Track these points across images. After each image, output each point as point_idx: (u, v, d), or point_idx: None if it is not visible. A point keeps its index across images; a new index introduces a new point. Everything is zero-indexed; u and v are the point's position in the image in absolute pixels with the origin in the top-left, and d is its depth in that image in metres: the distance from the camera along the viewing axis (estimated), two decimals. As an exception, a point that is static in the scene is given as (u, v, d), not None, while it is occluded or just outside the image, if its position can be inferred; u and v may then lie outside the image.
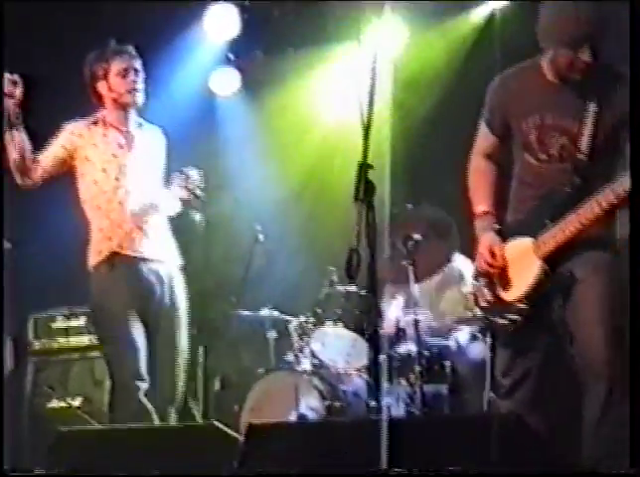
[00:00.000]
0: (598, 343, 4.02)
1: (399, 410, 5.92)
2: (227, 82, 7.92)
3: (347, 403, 6.00)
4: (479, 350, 5.86)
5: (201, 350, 7.02)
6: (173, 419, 5.00)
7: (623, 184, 3.94)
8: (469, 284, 4.74)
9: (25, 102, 4.89)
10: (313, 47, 7.37)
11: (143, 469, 3.58)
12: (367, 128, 4.19)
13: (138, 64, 5.28)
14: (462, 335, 6.05)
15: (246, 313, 6.86)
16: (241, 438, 3.54)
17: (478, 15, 7.03)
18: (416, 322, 5.97)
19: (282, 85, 7.62)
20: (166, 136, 5.53)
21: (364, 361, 6.15)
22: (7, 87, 4.83)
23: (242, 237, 7.15)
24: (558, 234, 4.16)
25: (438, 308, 6.44)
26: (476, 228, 4.52)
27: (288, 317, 6.67)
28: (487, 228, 4.44)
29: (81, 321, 6.70)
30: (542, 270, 4.22)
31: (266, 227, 6.98)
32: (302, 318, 6.50)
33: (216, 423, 3.60)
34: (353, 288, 6.25)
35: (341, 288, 6.34)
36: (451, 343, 6.09)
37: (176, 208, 5.39)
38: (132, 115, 5.34)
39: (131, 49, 5.29)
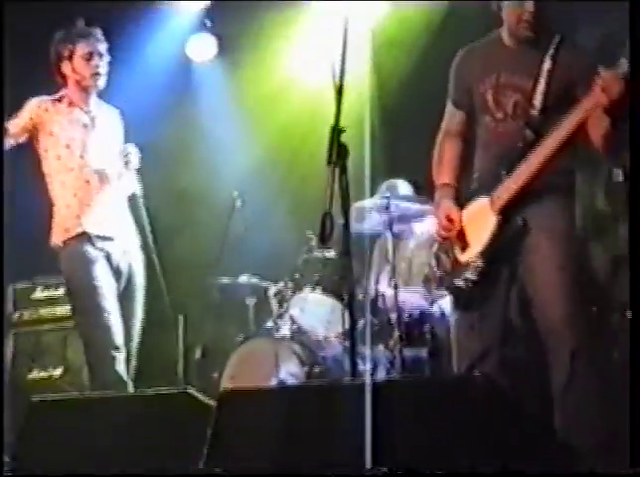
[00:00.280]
0: (556, 297, 4.02)
1: (379, 375, 5.93)
2: (203, 49, 7.84)
3: (327, 369, 5.99)
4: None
5: (181, 318, 6.99)
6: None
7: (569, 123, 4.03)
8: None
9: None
10: (290, 9, 7.29)
11: (117, 437, 3.56)
12: (339, 91, 4.18)
13: (103, 48, 5.41)
14: (444, 301, 6.04)
15: (226, 280, 6.83)
16: (215, 405, 3.51)
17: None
18: (396, 287, 5.97)
19: (259, 51, 7.55)
20: (123, 118, 5.64)
21: (343, 326, 6.14)
22: None
23: (220, 203, 7.10)
24: (511, 185, 4.22)
25: (412, 273, 6.44)
26: (435, 198, 4.59)
27: (267, 283, 6.65)
28: (445, 197, 4.50)
29: (61, 291, 6.67)
30: (496, 224, 4.27)
31: (244, 193, 6.95)
32: (281, 284, 6.49)
33: (189, 391, 3.57)
34: (331, 254, 6.25)
35: (319, 254, 6.32)
36: (433, 308, 6.08)
37: (135, 186, 5.47)
38: (94, 97, 5.47)
39: (97, 32, 5.40)
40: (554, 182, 4.21)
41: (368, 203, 6.04)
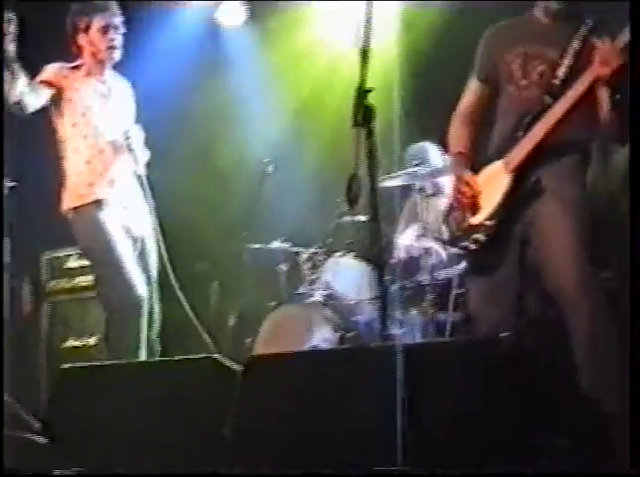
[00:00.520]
0: (568, 264, 3.99)
1: (413, 340, 5.90)
2: (232, 15, 7.78)
3: (359, 334, 5.97)
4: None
5: (214, 285, 7.01)
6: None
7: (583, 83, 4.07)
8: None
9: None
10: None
11: (144, 404, 3.56)
12: (364, 52, 4.13)
13: (119, 21, 5.45)
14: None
15: (257, 246, 6.81)
16: (241, 370, 3.49)
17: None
18: (428, 250, 5.93)
19: (288, 15, 7.48)
20: (134, 90, 5.68)
21: (376, 290, 6.10)
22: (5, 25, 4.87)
23: (251, 170, 7.07)
24: (525, 144, 4.23)
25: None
26: (450, 166, 4.65)
27: (299, 249, 6.63)
28: (459, 164, 4.52)
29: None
30: (509, 183, 4.26)
31: (275, 158, 6.91)
32: (313, 250, 6.48)
33: (215, 356, 3.56)
34: (362, 218, 6.21)
35: (350, 218, 6.28)
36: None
37: (139, 166, 5.50)
38: (109, 68, 5.51)
39: (114, 5, 5.45)
40: (569, 146, 4.21)
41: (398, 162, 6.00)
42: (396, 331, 5.95)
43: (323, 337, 6.02)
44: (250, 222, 6.92)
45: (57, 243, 6.76)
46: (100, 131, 5.35)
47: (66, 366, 3.92)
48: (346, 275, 6.24)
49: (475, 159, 4.53)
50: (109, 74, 5.52)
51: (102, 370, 3.84)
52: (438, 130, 5.57)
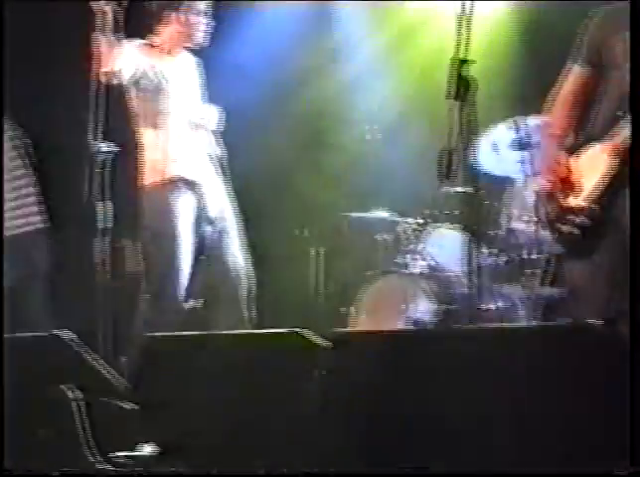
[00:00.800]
0: None
1: (514, 315, 5.80)
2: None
3: (458, 307, 5.87)
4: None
5: (313, 252, 6.98)
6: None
7: None
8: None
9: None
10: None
11: (227, 376, 3.53)
12: (460, 19, 4.04)
13: (208, 6, 5.47)
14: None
15: (357, 215, 6.74)
16: (327, 346, 3.43)
17: None
18: (528, 226, 5.79)
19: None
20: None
21: (479, 263, 5.98)
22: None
23: (352, 137, 6.99)
24: (627, 126, 4.03)
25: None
26: (547, 147, 4.51)
27: (399, 219, 6.54)
28: (556, 145, 4.39)
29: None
30: (609, 165, 4.10)
31: (377, 126, 6.85)
32: (412, 220, 6.39)
33: (301, 331, 3.50)
34: (462, 189, 6.07)
35: (451, 189, 6.15)
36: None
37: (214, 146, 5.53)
38: (186, 49, 5.53)
39: None
40: None
41: (499, 137, 5.87)
42: (493, 305, 5.86)
43: (422, 309, 5.97)
44: (351, 189, 6.86)
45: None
46: (178, 108, 5.35)
47: (152, 334, 3.92)
48: (445, 247, 6.15)
49: (574, 141, 4.38)
50: (186, 54, 5.53)
51: (188, 339, 3.81)
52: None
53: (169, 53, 5.42)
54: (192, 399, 3.57)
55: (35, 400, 3.75)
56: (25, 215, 5.91)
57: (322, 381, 3.36)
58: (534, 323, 5.47)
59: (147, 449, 3.58)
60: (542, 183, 4.45)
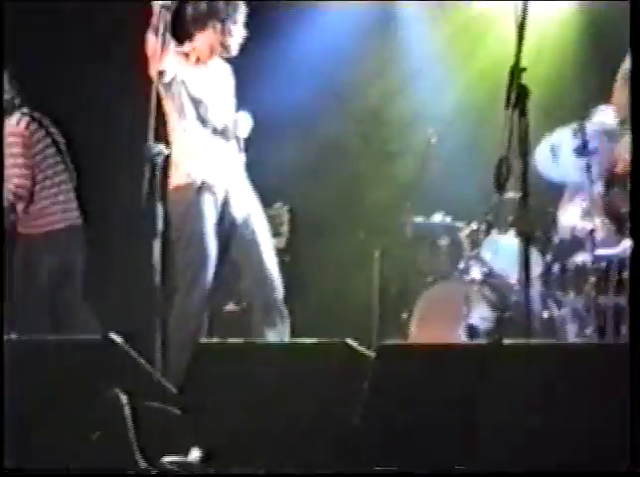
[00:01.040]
0: None
1: (571, 323, 5.71)
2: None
3: (518, 315, 5.80)
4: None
5: (374, 256, 6.95)
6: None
7: None
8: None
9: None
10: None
11: (274, 385, 3.53)
12: (521, 27, 3.98)
13: (244, 17, 5.45)
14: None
15: (420, 219, 6.70)
16: (373, 356, 3.41)
17: None
18: (592, 230, 5.69)
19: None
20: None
21: (536, 270, 5.92)
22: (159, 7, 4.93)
23: (417, 141, 6.95)
24: None
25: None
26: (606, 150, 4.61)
27: (460, 224, 6.50)
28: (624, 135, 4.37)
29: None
30: None
31: (441, 131, 6.78)
32: (474, 225, 6.36)
33: (347, 341, 3.48)
34: (520, 195, 6.00)
35: (513, 195, 6.08)
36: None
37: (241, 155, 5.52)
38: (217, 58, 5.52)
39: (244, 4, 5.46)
40: None
41: (558, 142, 5.78)
42: (550, 313, 5.79)
43: (480, 316, 5.92)
44: (414, 194, 6.83)
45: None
46: (209, 114, 5.36)
47: (202, 341, 3.93)
48: (506, 253, 6.08)
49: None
50: (217, 61, 5.52)
51: (236, 347, 3.81)
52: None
53: (202, 60, 5.44)
54: (237, 406, 3.58)
55: (85, 403, 3.78)
56: (62, 211, 5.95)
57: (367, 391, 3.34)
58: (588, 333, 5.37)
59: (194, 454, 3.60)
60: (602, 187, 4.36)
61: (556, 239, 6.00)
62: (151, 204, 4.86)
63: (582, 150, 5.79)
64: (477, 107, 6.91)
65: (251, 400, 3.53)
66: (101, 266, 6.51)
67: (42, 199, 5.87)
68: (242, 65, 5.67)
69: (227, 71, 5.59)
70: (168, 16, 4.94)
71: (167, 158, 5.03)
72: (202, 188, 5.29)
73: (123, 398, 3.69)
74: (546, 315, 5.90)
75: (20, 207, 5.84)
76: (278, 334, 5.33)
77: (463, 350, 3.57)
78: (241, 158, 5.53)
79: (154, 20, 4.94)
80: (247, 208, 5.46)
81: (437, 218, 6.66)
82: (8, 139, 5.81)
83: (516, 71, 3.98)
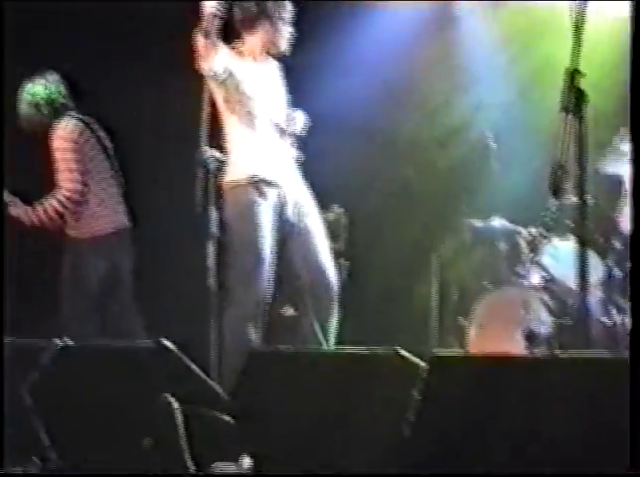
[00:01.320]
0: None
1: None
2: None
3: (577, 321, 5.72)
4: None
5: (434, 259, 6.90)
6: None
7: None
8: None
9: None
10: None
11: (323, 394, 3.51)
12: (577, 29, 3.91)
13: (292, 14, 5.44)
14: None
15: (478, 222, 6.64)
16: (425, 367, 3.37)
17: None
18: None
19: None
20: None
21: (596, 276, 5.83)
22: (216, 4, 4.94)
23: (475, 144, 6.88)
24: None
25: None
26: None
27: (519, 228, 6.43)
28: None
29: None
30: None
31: (499, 133, 6.72)
32: (533, 230, 6.28)
33: (398, 350, 3.45)
34: (578, 199, 5.92)
35: (572, 199, 6.00)
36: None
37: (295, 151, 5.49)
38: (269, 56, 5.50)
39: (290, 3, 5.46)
40: None
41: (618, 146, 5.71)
42: (609, 319, 5.71)
43: (539, 321, 5.85)
44: (472, 197, 6.76)
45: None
46: (263, 112, 5.33)
47: (255, 348, 3.92)
48: (565, 259, 5.99)
49: None
50: (269, 60, 5.51)
51: (288, 354, 3.80)
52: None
53: (254, 58, 5.42)
54: (288, 414, 3.56)
55: (137, 409, 3.79)
56: (111, 215, 5.96)
57: (418, 401, 3.30)
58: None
59: (245, 462, 3.59)
60: None
61: (616, 244, 5.93)
62: (205, 207, 4.86)
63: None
64: (535, 109, 6.81)
65: (302, 408, 3.50)
66: (153, 271, 6.51)
67: (92, 203, 5.88)
68: (297, 63, 5.66)
69: (278, 69, 5.58)
70: (218, 20, 4.95)
71: (221, 162, 5.02)
72: (258, 186, 5.24)
73: (175, 405, 3.69)
74: (606, 321, 5.82)
75: (72, 211, 5.87)
76: (330, 337, 5.30)
77: (517, 361, 3.51)
78: (296, 156, 5.49)
79: (204, 23, 4.94)
80: (304, 207, 5.42)
81: (496, 222, 6.58)
82: (60, 143, 5.82)
83: (573, 74, 3.90)
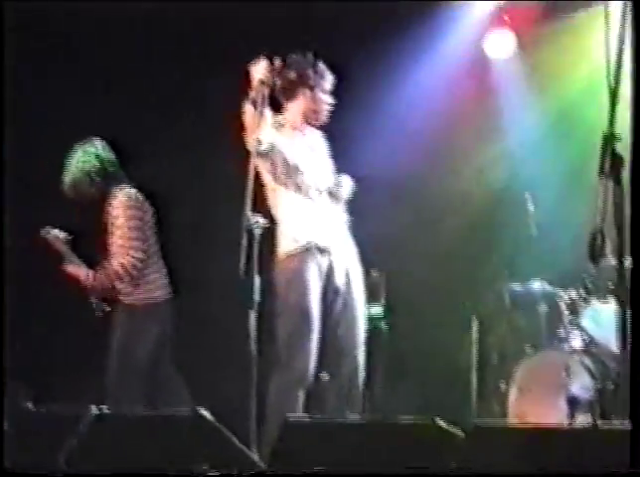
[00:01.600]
0: None
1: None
2: (501, 45, 7.58)
3: (620, 385, 5.65)
4: None
5: (474, 322, 6.86)
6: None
7: None
8: None
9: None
10: (586, 9, 6.89)
11: (360, 465, 3.47)
12: (614, 93, 3.89)
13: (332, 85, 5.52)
14: None
15: (517, 286, 6.60)
16: (462, 436, 3.33)
17: None
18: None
19: (559, 48, 7.19)
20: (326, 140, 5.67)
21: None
22: (264, 73, 5.03)
23: (514, 206, 6.86)
24: None
25: None
26: None
27: (559, 291, 6.38)
28: None
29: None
30: None
31: (538, 196, 6.70)
32: (573, 292, 6.24)
33: (436, 420, 3.41)
34: (627, 262, 5.88)
35: (613, 262, 5.94)
36: None
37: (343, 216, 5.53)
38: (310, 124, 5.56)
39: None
40: None
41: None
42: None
43: (581, 386, 5.78)
44: (511, 260, 6.73)
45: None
46: (311, 180, 5.37)
47: (292, 417, 3.89)
48: (607, 322, 5.94)
49: None
50: (309, 128, 5.55)
51: (326, 423, 3.77)
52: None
53: (295, 128, 5.46)
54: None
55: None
56: (161, 283, 6.00)
57: (456, 471, 3.26)
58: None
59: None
60: None
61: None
62: (249, 274, 4.86)
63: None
64: (575, 173, 6.79)
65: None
66: (196, 339, 6.52)
67: (149, 270, 5.94)
68: (338, 130, 5.71)
69: (320, 136, 5.61)
70: (266, 90, 4.99)
71: (267, 229, 5.01)
72: (308, 254, 5.27)
73: (212, 473, 3.67)
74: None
75: (134, 278, 5.91)
76: (356, 408, 5.26)
77: (557, 432, 3.46)
78: (345, 219, 5.51)
79: (252, 93, 4.98)
80: (351, 274, 5.43)
81: (536, 284, 6.54)
82: (123, 211, 5.88)
83: (609, 138, 3.88)
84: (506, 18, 7.53)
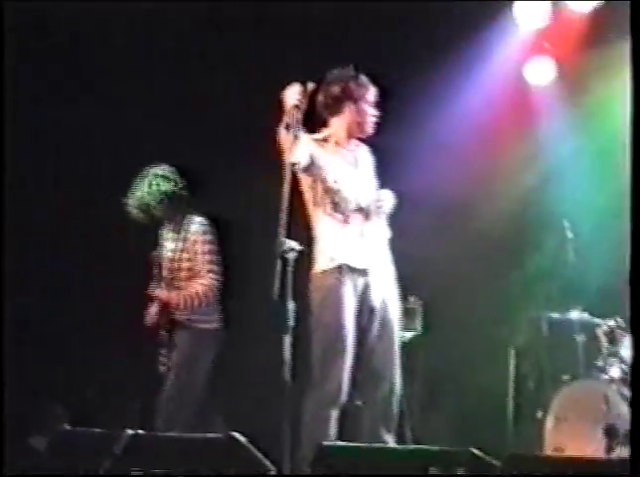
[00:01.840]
0: None
1: None
2: (542, 72, 7.57)
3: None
4: None
5: (511, 351, 6.82)
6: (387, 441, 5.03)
7: None
8: None
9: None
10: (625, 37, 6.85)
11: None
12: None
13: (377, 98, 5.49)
14: None
15: (555, 314, 6.56)
16: (499, 465, 3.31)
17: None
18: None
19: (600, 78, 7.16)
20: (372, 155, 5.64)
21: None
22: (297, 97, 5.00)
23: (553, 233, 6.81)
24: None
25: None
26: None
27: (597, 320, 6.33)
28: None
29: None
30: None
31: (576, 222, 6.67)
32: (612, 322, 6.18)
33: (472, 450, 3.39)
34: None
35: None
36: None
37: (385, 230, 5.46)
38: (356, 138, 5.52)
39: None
40: None
41: None
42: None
43: (620, 416, 5.73)
44: (550, 288, 6.68)
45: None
46: (351, 197, 5.32)
47: (326, 442, 3.88)
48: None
49: None
50: (355, 142, 5.52)
51: (360, 450, 3.75)
52: None
53: (340, 143, 5.43)
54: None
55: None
56: (216, 310, 6.09)
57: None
58: None
59: None
60: None
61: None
62: (283, 299, 4.85)
63: None
64: (615, 200, 6.73)
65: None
66: (232, 364, 6.53)
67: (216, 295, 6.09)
68: (382, 144, 5.69)
69: (365, 151, 5.59)
70: (299, 114, 4.98)
71: (299, 253, 5.00)
72: (344, 273, 5.23)
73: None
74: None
75: (210, 300, 6.04)
76: (391, 433, 5.17)
77: (592, 464, 3.42)
78: (387, 235, 5.47)
79: (286, 117, 4.98)
80: (387, 295, 5.38)
81: (574, 313, 6.49)
82: (202, 237, 6.08)
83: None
84: (546, 44, 7.53)
